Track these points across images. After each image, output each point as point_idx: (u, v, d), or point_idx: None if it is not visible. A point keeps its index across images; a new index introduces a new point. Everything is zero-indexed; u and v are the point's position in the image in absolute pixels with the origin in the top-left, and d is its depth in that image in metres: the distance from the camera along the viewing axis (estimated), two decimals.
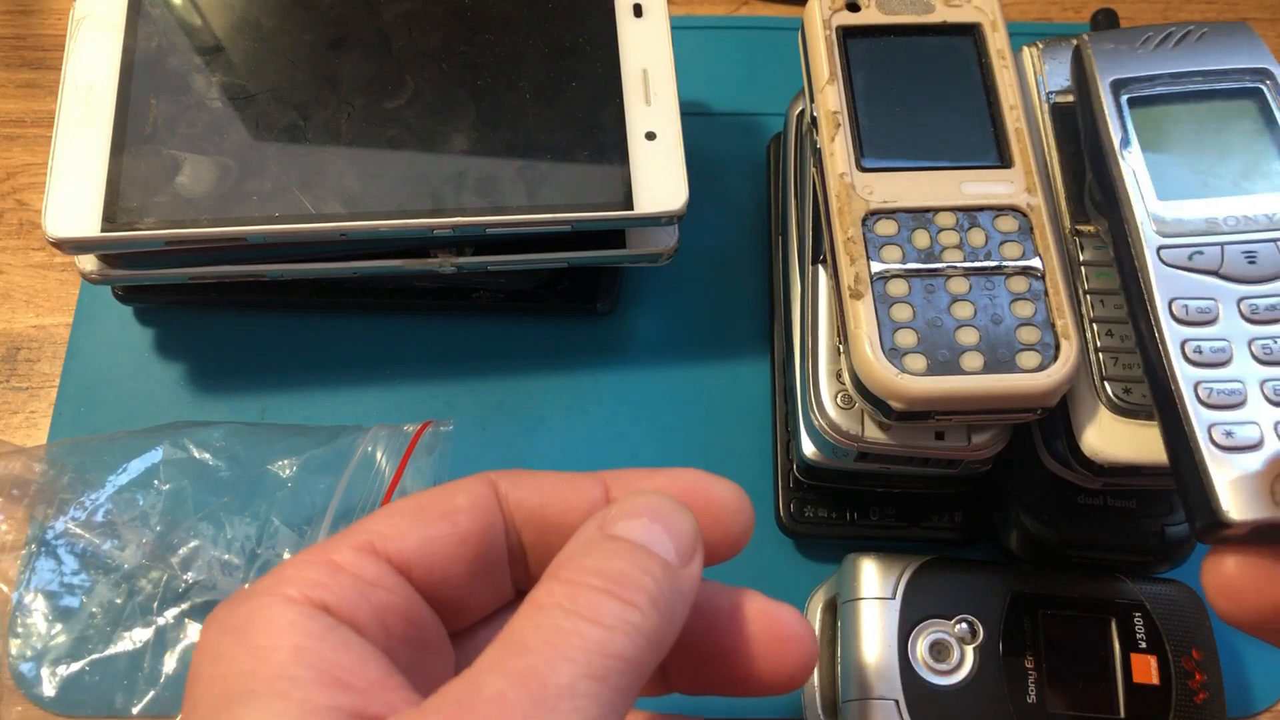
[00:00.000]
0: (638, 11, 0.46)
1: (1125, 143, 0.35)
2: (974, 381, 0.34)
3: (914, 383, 0.34)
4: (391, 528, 0.24)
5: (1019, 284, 0.36)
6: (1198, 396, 0.31)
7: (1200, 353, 0.32)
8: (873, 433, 0.38)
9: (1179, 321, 0.32)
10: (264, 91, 0.44)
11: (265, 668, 0.20)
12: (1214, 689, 0.38)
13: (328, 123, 0.44)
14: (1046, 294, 0.36)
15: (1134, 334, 0.34)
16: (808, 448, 0.41)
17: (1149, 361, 0.33)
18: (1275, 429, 0.30)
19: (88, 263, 0.44)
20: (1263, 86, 0.36)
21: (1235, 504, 0.29)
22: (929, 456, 0.38)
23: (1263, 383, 0.31)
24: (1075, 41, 0.38)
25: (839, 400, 0.39)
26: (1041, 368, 0.35)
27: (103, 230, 0.41)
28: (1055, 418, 0.38)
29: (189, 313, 0.50)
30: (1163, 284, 0.33)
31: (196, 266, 0.44)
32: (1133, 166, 0.35)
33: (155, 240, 0.42)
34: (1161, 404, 0.32)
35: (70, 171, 0.42)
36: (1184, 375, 0.31)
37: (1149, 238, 0.34)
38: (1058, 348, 0.35)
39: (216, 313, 0.50)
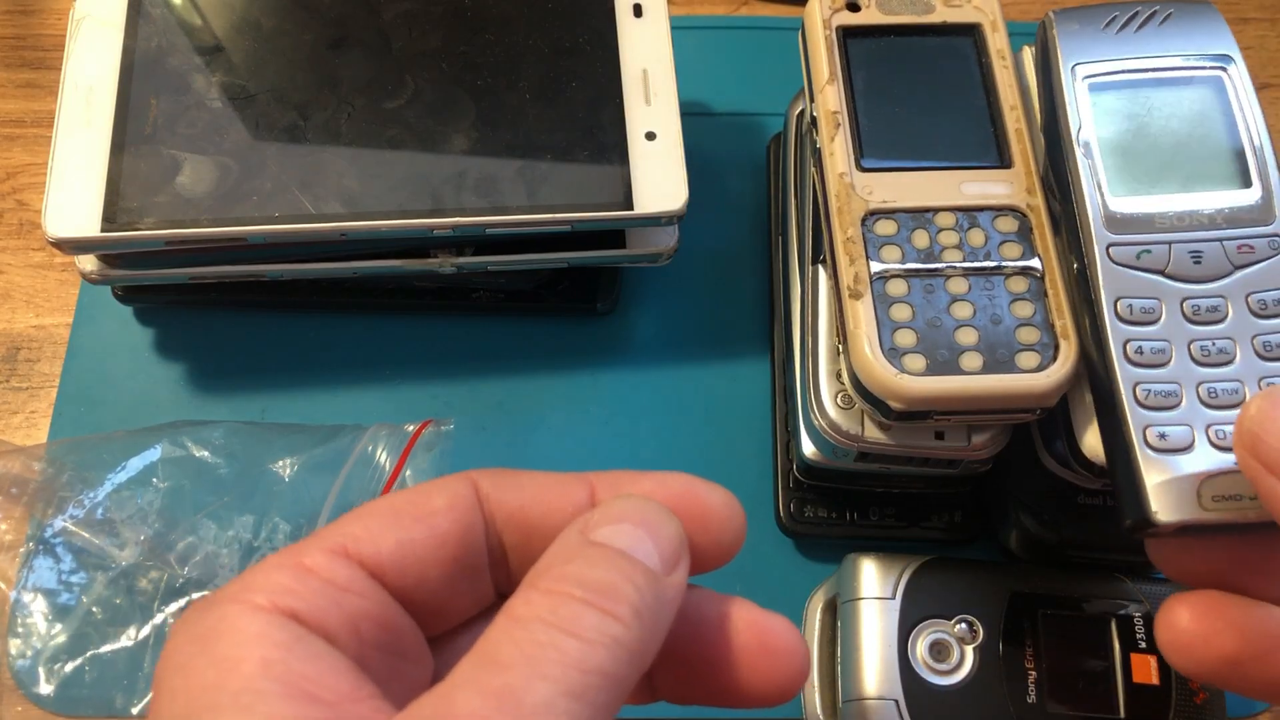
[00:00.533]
0: (638, 11, 0.46)
1: (1084, 131, 0.35)
2: (973, 381, 0.34)
3: (913, 383, 0.34)
4: (366, 530, 0.23)
5: (1018, 284, 0.36)
6: (1135, 397, 0.31)
7: (1141, 353, 0.32)
8: (873, 433, 0.38)
9: (1123, 321, 0.32)
10: (264, 91, 0.44)
11: (230, 680, 0.20)
12: (1214, 689, 0.38)
13: (328, 123, 0.44)
14: (1046, 294, 0.36)
15: (1077, 324, 0.34)
16: (808, 448, 0.41)
17: (1090, 359, 0.33)
18: (1207, 432, 0.31)
19: (88, 263, 0.44)
20: (1222, 74, 0.36)
21: (1163, 505, 0.30)
22: (929, 456, 0.38)
23: (1198, 384, 0.31)
24: (1042, 19, 0.38)
25: (839, 400, 0.39)
26: (1041, 368, 0.34)
27: (103, 230, 0.41)
28: (1055, 418, 0.37)
29: (189, 313, 0.50)
30: (1110, 282, 0.33)
31: (196, 266, 0.44)
32: (1089, 158, 0.35)
33: (155, 240, 0.42)
34: (1101, 401, 0.33)
35: (70, 171, 0.42)
36: (1124, 375, 0.32)
37: (1099, 234, 0.34)
38: (1057, 348, 0.35)
39: (216, 313, 0.50)
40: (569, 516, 0.24)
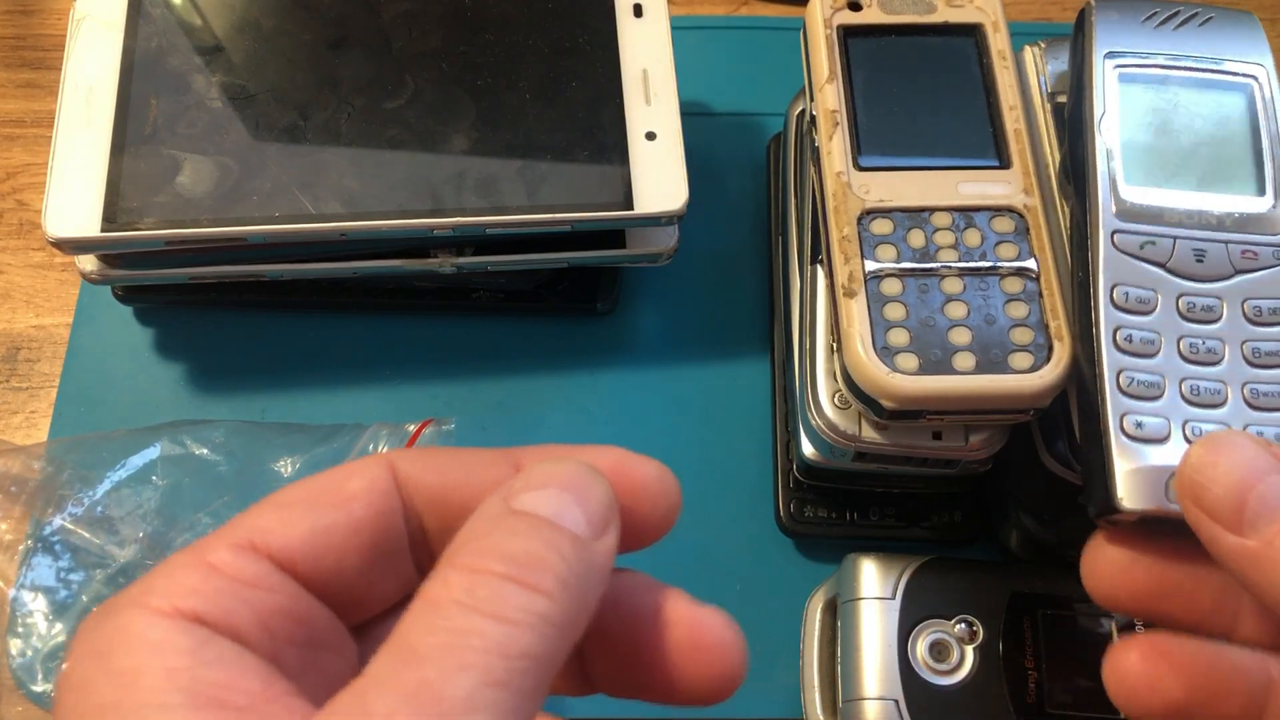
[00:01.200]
0: (638, 11, 0.46)
1: (1107, 118, 0.35)
2: (965, 381, 0.34)
3: (905, 382, 0.34)
4: (275, 521, 0.21)
5: (1013, 285, 0.36)
6: (1118, 383, 0.32)
7: (1130, 341, 0.32)
8: (869, 433, 0.38)
9: (1117, 307, 0.32)
10: (264, 91, 0.44)
11: (131, 696, 0.18)
12: None
13: (328, 123, 0.44)
14: (1041, 295, 0.36)
15: (1071, 325, 0.35)
16: (807, 448, 0.41)
17: (1078, 344, 0.34)
18: (1183, 428, 0.31)
19: (88, 263, 0.44)
20: (1253, 82, 0.36)
21: (1130, 493, 0.30)
22: (926, 456, 0.38)
23: (1181, 380, 0.31)
24: (1083, 6, 0.38)
25: (836, 400, 0.39)
26: (1034, 369, 0.34)
27: (103, 230, 0.41)
28: (1055, 418, 0.37)
29: (189, 313, 0.50)
30: (1109, 268, 0.33)
31: (196, 266, 0.44)
32: (1107, 144, 0.35)
33: (155, 240, 0.42)
34: (1082, 385, 0.33)
35: (70, 171, 0.42)
36: (1110, 361, 0.32)
37: (1106, 220, 0.34)
38: (1050, 349, 0.35)
39: (216, 313, 0.50)
40: None
